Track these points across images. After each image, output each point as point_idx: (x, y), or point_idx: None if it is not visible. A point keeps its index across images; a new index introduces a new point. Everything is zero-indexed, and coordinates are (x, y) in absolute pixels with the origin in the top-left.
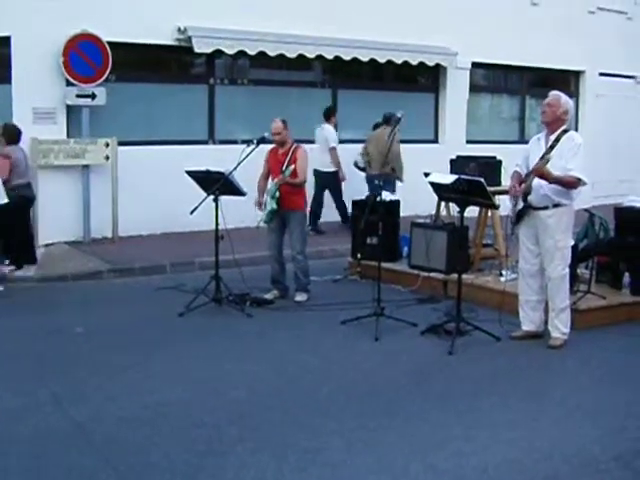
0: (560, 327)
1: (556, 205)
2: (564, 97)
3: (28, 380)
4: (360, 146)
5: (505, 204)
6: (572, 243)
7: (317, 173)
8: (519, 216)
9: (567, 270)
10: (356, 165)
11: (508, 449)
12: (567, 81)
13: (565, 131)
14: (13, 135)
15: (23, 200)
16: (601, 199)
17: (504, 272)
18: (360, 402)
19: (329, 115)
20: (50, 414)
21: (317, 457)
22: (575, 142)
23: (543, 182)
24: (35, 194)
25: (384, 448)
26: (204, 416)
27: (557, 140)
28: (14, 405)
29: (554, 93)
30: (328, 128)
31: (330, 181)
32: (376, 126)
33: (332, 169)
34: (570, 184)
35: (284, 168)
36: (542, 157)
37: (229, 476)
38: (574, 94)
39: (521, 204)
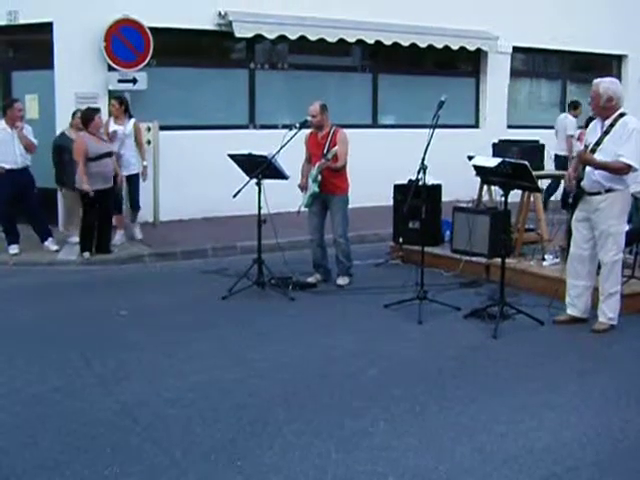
0: (607, 312)
1: (608, 190)
2: (603, 84)
3: (73, 361)
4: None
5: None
6: (626, 228)
7: (556, 157)
8: (573, 201)
9: (620, 256)
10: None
11: (554, 433)
12: (609, 65)
13: (622, 115)
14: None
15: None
16: None
17: (546, 256)
18: (405, 385)
19: (575, 106)
20: (95, 394)
21: (363, 440)
22: (629, 127)
23: (595, 169)
24: None
25: (430, 431)
26: (249, 397)
27: (611, 126)
28: (60, 385)
29: (595, 82)
30: (571, 118)
31: (563, 164)
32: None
33: (565, 154)
34: (618, 170)
35: (325, 152)
36: (597, 143)
37: (274, 457)
38: (617, 79)
39: (575, 190)
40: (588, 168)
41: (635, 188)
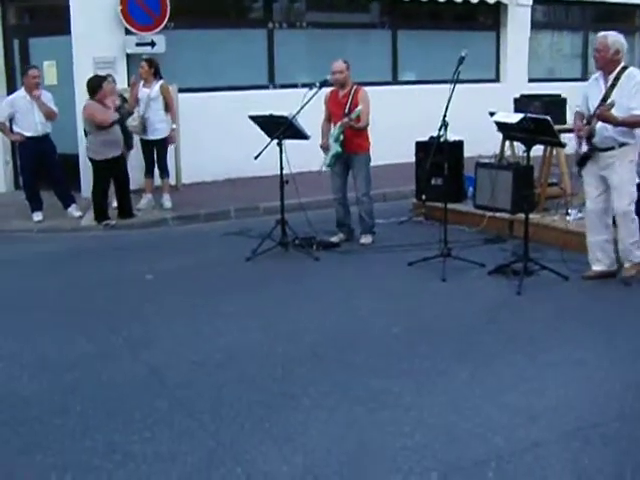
0: (630, 257)
1: (621, 145)
2: (611, 37)
3: (101, 326)
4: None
5: (571, 143)
6: (637, 180)
7: None
8: (584, 158)
9: (633, 206)
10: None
11: (579, 389)
12: (631, 15)
13: (624, 68)
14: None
15: None
16: None
17: (570, 211)
18: (430, 343)
19: None
20: (124, 359)
21: (388, 398)
22: (637, 79)
23: (607, 124)
24: None
25: (456, 389)
26: (275, 358)
27: (617, 79)
28: (89, 350)
29: (600, 35)
30: None
31: None
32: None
33: None
34: (635, 124)
35: (347, 111)
36: (604, 99)
37: (301, 418)
38: (639, 28)
39: (585, 147)
40: (599, 124)
41: None
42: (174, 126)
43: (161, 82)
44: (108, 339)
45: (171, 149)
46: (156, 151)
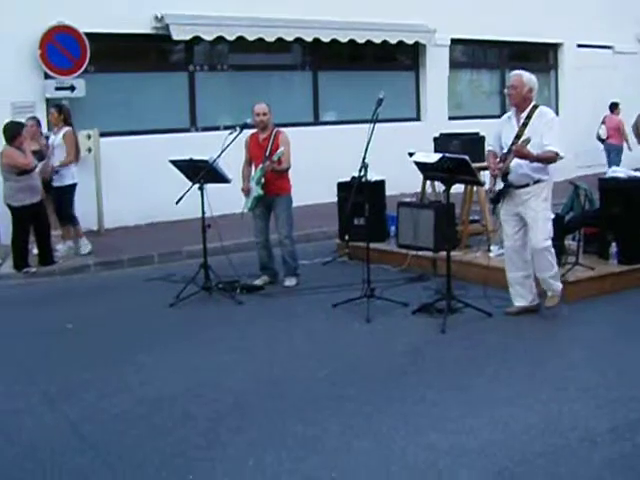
0: (552, 286)
1: (536, 182)
2: (526, 75)
3: (19, 380)
4: None
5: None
6: (552, 216)
7: None
8: (499, 196)
9: (550, 242)
10: (598, 137)
11: (505, 426)
12: (546, 54)
13: (535, 107)
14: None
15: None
16: (584, 169)
17: (492, 247)
18: (356, 386)
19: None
20: (43, 414)
21: (316, 444)
22: (548, 117)
23: (522, 161)
24: None
25: (382, 431)
26: (200, 408)
27: (529, 117)
28: (7, 407)
29: (515, 73)
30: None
31: None
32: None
33: None
34: (549, 160)
35: (268, 154)
36: (517, 136)
37: (228, 467)
38: (553, 66)
39: (500, 184)
40: (515, 162)
41: (573, 174)
42: (57, 163)
43: (65, 130)
44: (26, 393)
45: (92, 194)
46: (58, 198)
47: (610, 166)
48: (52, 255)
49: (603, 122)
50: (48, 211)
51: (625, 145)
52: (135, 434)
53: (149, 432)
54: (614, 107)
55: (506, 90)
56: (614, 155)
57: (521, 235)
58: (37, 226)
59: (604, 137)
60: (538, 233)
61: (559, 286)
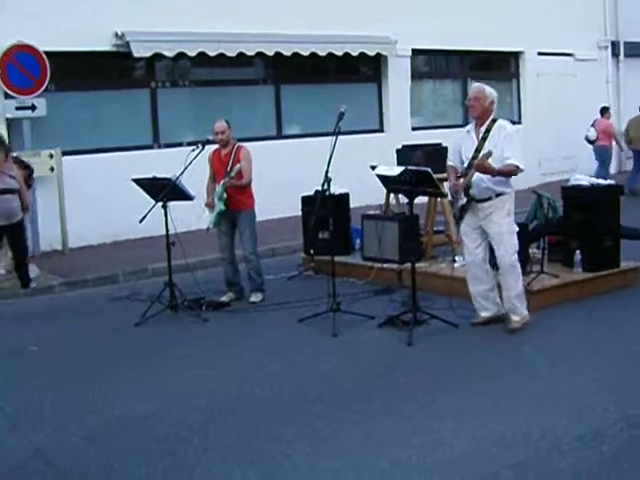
0: (517, 310)
1: (498, 195)
2: (487, 88)
3: None
4: None
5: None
6: (517, 229)
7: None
8: (463, 211)
9: (516, 256)
10: (586, 139)
11: (473, 439)
12: (507, 62)
13: (494, 120)
14: None
15: None
16: (548, 176)
17: (457, 258)
18: (322, 402)
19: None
20: (7, 440)
21: (283, 462)
22: (507, 130)
23: (484, 175)
24: None
25: (349, 447)
26: (167, 428)
27: (488, 131)
28: None
29: (477, 86)
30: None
31: None
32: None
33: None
34: (511, 173)
35: (229, 169)
36: (477, 150)
37: None
38: (515, 75)
39: (464, 199)
40: (477, 176)
41: (536, 182)
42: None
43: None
44: None
45: (55, 214)
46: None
47: (602, 167)
48: (29, 278)
49: (593, 125)
50: None
51: (615, 147)
52: (103, 457)
53: (117, 454)
54: (604, 111)
55: (467, 102)
56: (605, 157)
57: (482, 248)
58: (13, 249)
59: (593, 139)
60: (504, 248)
61: (523, 312)
